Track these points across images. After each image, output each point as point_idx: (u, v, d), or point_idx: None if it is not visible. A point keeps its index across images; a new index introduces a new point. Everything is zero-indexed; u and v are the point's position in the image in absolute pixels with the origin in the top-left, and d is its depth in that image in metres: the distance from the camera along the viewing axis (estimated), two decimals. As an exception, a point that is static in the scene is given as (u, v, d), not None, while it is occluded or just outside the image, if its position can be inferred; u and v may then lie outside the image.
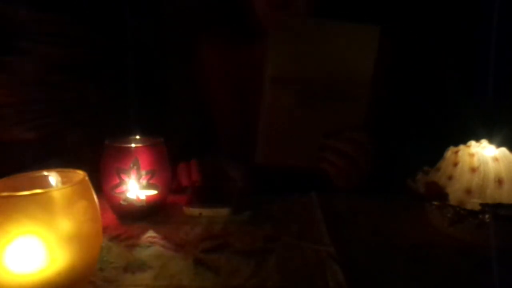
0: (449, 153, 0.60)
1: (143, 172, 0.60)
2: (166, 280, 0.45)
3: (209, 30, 0.95)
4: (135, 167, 0.60)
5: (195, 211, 0.63)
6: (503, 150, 0.57)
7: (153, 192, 0.62)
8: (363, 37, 0.66)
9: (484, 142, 0.59)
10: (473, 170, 0.55)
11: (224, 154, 0.83)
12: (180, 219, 0.62)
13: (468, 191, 0.54)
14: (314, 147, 0.70)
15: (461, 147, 0.59)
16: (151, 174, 0.61)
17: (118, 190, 0.60)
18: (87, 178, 0.44)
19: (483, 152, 0.57)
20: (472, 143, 0.59)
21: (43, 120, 0.78)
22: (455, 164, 0.57)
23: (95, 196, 0.44)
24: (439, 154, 0.61)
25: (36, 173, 0.45)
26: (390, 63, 0.89)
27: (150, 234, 0.57)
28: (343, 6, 0.82)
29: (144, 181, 0.61)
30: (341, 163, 0.69)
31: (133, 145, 0.61)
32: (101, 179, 0.60)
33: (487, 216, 0.50)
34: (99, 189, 0.53)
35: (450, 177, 0.57)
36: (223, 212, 0.63)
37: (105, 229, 0.57)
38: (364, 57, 0.67)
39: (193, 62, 0.94)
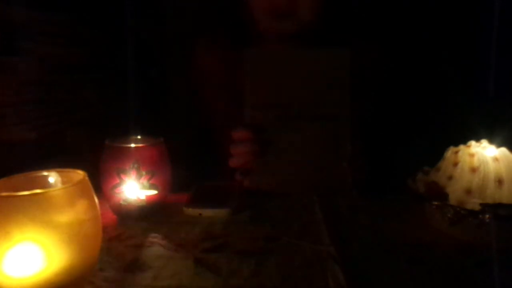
0: (449, 153, 0.60)
1: (143, 172, 0.60)
2: (166, 280, 0.45)
3: (209, 33, 0.96)
4: (135, 167, 0.60)
5: (195, 211, 0.63)
6: (503, 150, 0.57)
7: (153, 192, 0.62)
8: (334, 60, 0.70)
9: (484, 142, 0.59)
10: (473, 170, 0.55)
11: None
12: (180, 219, 0.62)
13: (468, 191, 0.54)
14: (300, 172, 0.71)
15: (461, 147, 0.59)
16: (151, 174, 0.61)
17: (118, 190, 0.60)
18: (87, 178, 0.44)
19: (483, 152, 0.57)
20: (472, 143, 0.59)
21: (43, 120, 0.78)
22: (455, 164, 0.57)
23: (95, 196, 0.44)
24: (439, 154, 0.61)
25: (36, 173, 0.45)
26: (391, 63, 0.89)
27: (150, 234, 0.57)
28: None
29: (144, 181, 0.61)
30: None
31: (133, 145, 0.61)
32: (101, 179, 0.60)
33: (487, 216, 0.50)
34: (99, 189, 0.53)
35: (450, 177, 0.57)
36: (223, 212, 0.63)
37: (105, 229, 0.57)
38: (338, 78, 0.70)
39: (193, 63, 0.94)
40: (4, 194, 0.38)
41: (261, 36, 0.86)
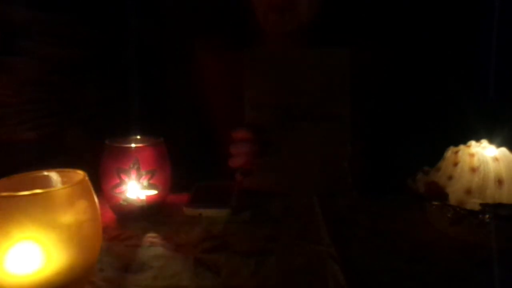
0: (449, 153, 0.60)
1: (143, 172, 0.60)
2: (166, 280, 0.45)
3: (209, 32, 0.96)
4: (135, 167, 0.60)
5: (195, 211, 0.63)
6: (503, 150, 0.57)
7: (153, 192, 0.62)
8: (334, 60, 0.70)
9: (484, 142, 0.59)
10: (473, 170, 0.55)
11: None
12: (180, 219, 0.62)
13: (468, 191, 0.54)
14: (300, 172, 0.71)
15: (461, 147, 0.59)
16: (151, 174, 0.61)
17: (118, 190, 0.60)
18: (87, 178, 0.44)
19: (483, 152, 0.57)
20: (472, 143, 0.59)
21: (43, 120, 0.78)
22: (455, 164, 0.57)
23: (95, 196, 0.44)
24: (439, 154, 0.61)
25: (36, 173, 0.45)
26: (391, 63, 0.89)
27: (150, 234, 0.57)
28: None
29: (144, 181, 0.61)
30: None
31: (133, 145, 0.61)
32: (101, 179, 0.60)
33: (487, 216, 0.50)
34: (99, 189, 0.53)
35: (450, 177, 0.57)
36: (223, 212, 0.63)
37: (105, 229, 0.57)
38: (338, 78, 0.70)
39: (193, 62, 0.94)
40: (4, 194, 0.38)
41: (262, 33, 0.86)
